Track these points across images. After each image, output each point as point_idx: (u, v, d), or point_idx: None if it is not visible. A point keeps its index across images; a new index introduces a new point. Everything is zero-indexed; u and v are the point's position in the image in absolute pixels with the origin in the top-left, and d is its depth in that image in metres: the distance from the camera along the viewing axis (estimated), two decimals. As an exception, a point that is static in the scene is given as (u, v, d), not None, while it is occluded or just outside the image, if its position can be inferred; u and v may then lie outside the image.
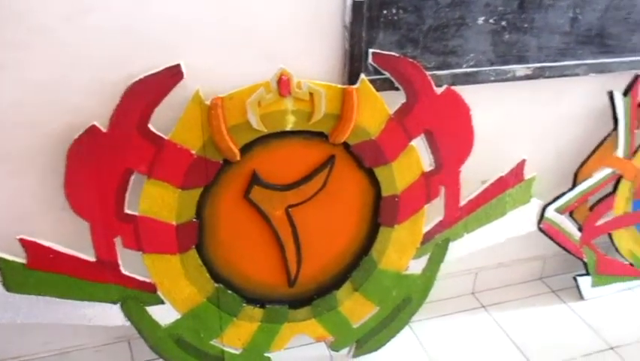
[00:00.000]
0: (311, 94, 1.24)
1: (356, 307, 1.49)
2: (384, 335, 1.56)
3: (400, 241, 1.46)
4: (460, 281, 1.81)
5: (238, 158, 1.25)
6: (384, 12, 1.29)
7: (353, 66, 1.31)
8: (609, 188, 1.71)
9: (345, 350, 1.56)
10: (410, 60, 1.31)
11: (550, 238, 1.70)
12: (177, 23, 1.18)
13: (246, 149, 1.26)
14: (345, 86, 1.27)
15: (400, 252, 1.47)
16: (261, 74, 1.22)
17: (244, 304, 1.40)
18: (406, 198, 1.41)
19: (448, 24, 1.36)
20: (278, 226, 1.35)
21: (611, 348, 1.64)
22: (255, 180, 1.29)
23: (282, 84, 1.21)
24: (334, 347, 1.53)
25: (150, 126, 1.18)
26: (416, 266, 1.52)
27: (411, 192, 1.41)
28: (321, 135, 1.30)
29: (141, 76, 1.14)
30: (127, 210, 1.22)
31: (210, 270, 1.35)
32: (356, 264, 1.47)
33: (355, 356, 1.56)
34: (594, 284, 1.82)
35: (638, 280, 1.89)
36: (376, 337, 1.55)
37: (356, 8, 1.25)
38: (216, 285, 1.36)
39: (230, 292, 1.38)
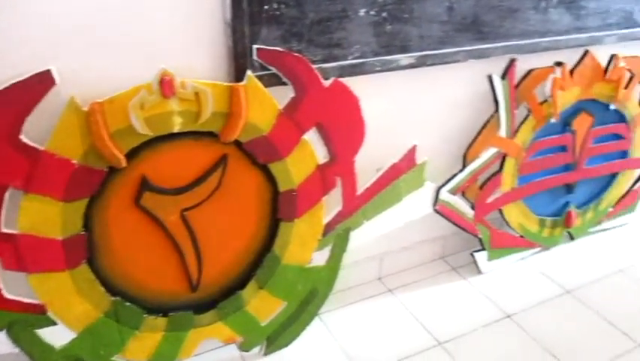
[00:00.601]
0: (196, 93, 1.22)
1: (263, 305, 1.49)
2: (293, 329, 1.56)
3: (301, 234, 1.47)
4: (366, 268, 1.86)
5: (124, 164, 1.20)
6: (266, 7, 1.29)
7: (238, 63, 1.30)
8: (496, 166, 1.82)
9: (255, 349, 1.55)
10: (295, 54, 1.32)
11: (446, 219, 1.78)
12: (49, 25, 1.11)
13: (132, 154, 1.22)
14: (231, 84, 1.26)
15: (302, 245, 1.48)
16: (142, 75, 1.18)
17: (145, 315, 1.36)
18: (304, 192, 1.42)
19: (331, 17, 1.38)
20: (174, 231, 1.31)
21: (508, 316, 1.75)
22: (145, 185, 1.25)
23: (165, 85, 1.18)
24: (244, 347, 1.52)
25: (23, 137, 1.10)
26: (320, 258, 1.54)
27: (307, 185, 1.42)
28: (211, 135, 1.28)
29: (7, 84, 1.07)
30: (4, 230, 1.14)
31: (106, 283, 1.30)
32: (259, 262, 1.46)
33: (267, 353, 1.56)
34: (490, 258, 1.93)
35: (530, 250, 2.03)
36: (286, 332, 1.55)
37: (236, 4, 1.24)
38: (113, 298, 1.31)
39: (129, 304, 1.33)
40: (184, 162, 1.28)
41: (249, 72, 1.27)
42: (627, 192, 2.19)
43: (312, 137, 1.40)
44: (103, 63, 1.19)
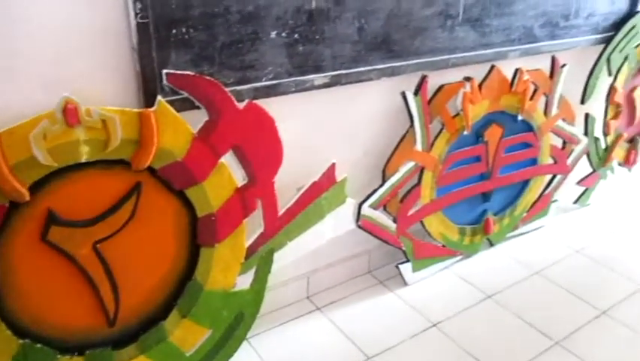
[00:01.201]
0: (104, 121, 1.18)
1: (187, 334, 1.45)
2: (221, 356, 1.53)
3: (223, 259, 1.44)
4: (293, 287, 1.85)
5: (28, 198, 1.14)
6: (174, 31, 1.27)
7: (148, 88, 1.27)
8: (415, 179, 1.87)
9: (182, 381, 1.50)
10: (207, 78, 1.31)
11: (370, 233, 1.81)
12: None
13: (37, 186, 1.16)
14: (141, 110, 1.23)
15: (224, 270, 1.46)
16: (44, 103, 1.13)
17: (59, 356, 1.29)
18: (223, 216, 1.41)
19: (242, 39, 1.38)
20: (86, 265, 1.26)
21: (434, 325, 1.79)
22: (51, 219, 1.19)
23: (69, 113, 1.13)
24: (169, 379, 1.47)
25: None
26: (244, 281, 1.52)
27: (227, 209, 1.41)
28: (122, 163, 1.24)
29: None
30: None
31: (13, 325, 1.22)
32: (181, 290, 1.42)
33: (194, 384, 1.51)
34: (414, 269, 1.97)
35: (452, 258, 2.10)
36: (214, 360, 1.52)
37: (141, 29, 1.22)
38: (22, 341, 1.23)
39: (39, 345, 1.25)
40: (94, 192, 1.23)
41: (159, 97, 1.25)
42: (539, 197, 2.32)
43: (229, 160, 1.39)
44: (1, 91, 1.13)
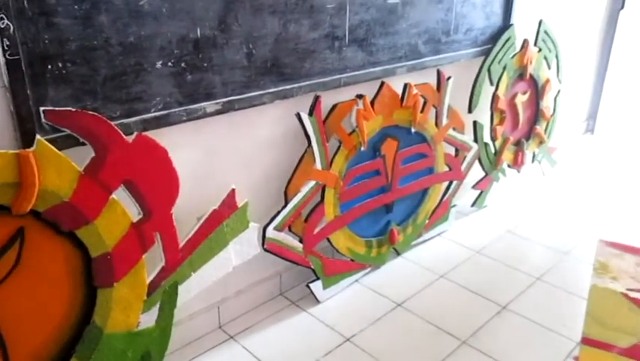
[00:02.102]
0: (-24, 166, 1.11)
1: (90, 382, 1.37)
2: (130, 400, 1.47)
3: (123, 298, 1.39)
4: (204, 319, 1.82)
5: None
6: (49, 67, 1.22)
7: (25, 128, 1.21)
8: (317, 198, 1.90)
9: None
10: (89, 113, 1.27)
11: (278, 256, 1.82)
12: None
13: None
14: (19, 151, 1.16)
15: (126, 310, 1.40)
16: None
17: None
18: (120, 254, 1.36)
19: (126, 71, 1.35)
20: (-33, 321, 1.16)
21: (348, 339, 1.82)
22: None
23: None
24: None
25: None
26: (149, 319, 1.47)
27: (123, 246, 1.36)
28: (1, 208, 1.17)
29: None
30: None
31: None
32: (79, 336, 1.35)
33: None
34: (325, 286, 2.00)
35: (362, 271, 2.14)
36: (122, 405, 1.45)
37: (12, 66, 1.16)
38: None
39: None
40: (-29, 242, 1.15)
41: (38, 136, 1.19)
42: (439, 204, 2.43)
43: (121, 195, 1.34)
44: None
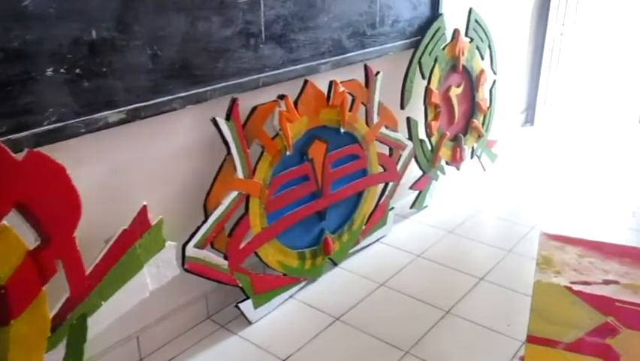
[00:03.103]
0: None
1: None
2: None
3: (22, 337, 1.34)
4: (122, 352, 1.77)
5: None
6: None
7: None
8: (242, 209, 1.90)
9: None
10: (-31, 130, 1.22)
11: (201, 276, 1.80)
12: None
13: None
14: None
15: (27, 350, 1.36)
16: None
17: None
18: (15, 287, 1.31)
19: (11, 81, 1.31)
20: None
21: (284, 361, 1.83)
22: None
23: None
24: None
25: None
26: (55, 358, 1.43)
27: (19, 278, 1.31)
28: None
29: None
30: None
31: None
32: (-28, 385, 1.30)
33: None
34: (256, 305, 2.00)
35: (296, 286, 2.16)
36: None
37: None
38: None
39: None
40: None
41: None
42: (376, 208, 2.48)
43: (14, 220, 1.30)
44: None
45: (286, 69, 2.00)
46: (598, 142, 3.84)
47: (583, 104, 4.61)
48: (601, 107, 4.62)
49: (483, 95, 3.05)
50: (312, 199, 2.16)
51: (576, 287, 2.17)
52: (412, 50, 2.58)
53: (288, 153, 1.99)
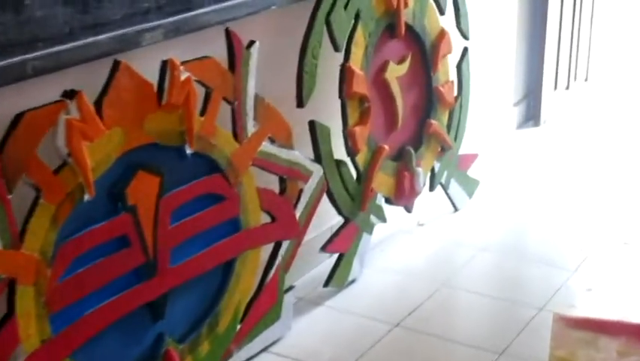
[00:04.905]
0: None
1: None
2: None
3: None
4: None
5: None
6: None
7: None
8: (2, 306, 1.87)
9: None
10: None
11: None
12: None
13: None
14: None
15: None
16: None
17: None
18: None
19: None
20: None
21: None
22: None
23: None
24: None
25: None
26: None
27: None
28: None
29: None
30: None
31: None
32: None
33: None
34: None
35: None
36: None
37: None
38: None
39: None
40: None
41: None
42: (259, 290, 2.51)
43: None
44: None
45: (79, 42, 2.02)
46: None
47: (619, 86, 4.86)
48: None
49: (446, 75, 3.17)
50: (137, 280, 2.16)
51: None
52: (315, 1, 2.64)
53: (87, 197, 1.99)
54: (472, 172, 3.38)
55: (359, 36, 2.77)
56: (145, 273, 2.19)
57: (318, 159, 2.69)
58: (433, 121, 3.12)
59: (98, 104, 2.02)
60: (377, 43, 2.88)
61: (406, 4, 2.90)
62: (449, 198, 3.30)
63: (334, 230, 2.84)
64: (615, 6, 4.83)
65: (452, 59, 3.20)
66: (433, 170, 3.18)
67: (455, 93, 3.21)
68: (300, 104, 2.64)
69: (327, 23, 2.67)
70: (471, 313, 2.84)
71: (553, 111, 4.33)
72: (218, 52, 2.32)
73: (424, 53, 3.08)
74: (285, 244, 2.59)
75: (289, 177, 2.57)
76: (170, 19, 2.24)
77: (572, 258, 3.06)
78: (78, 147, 1.96)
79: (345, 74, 2.75)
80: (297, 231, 2.61)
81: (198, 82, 2.24)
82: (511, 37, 4.03)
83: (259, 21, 2.49)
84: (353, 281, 2.94)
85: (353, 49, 2.76)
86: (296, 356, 2.56)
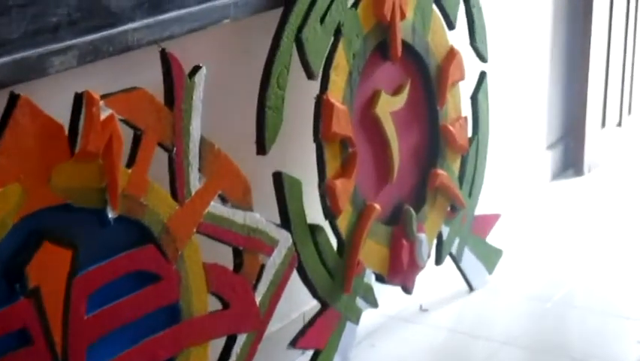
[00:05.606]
0: None
1: None
2: None
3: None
4: None
5: None
6: None
7: None
8: None
9: None
10: None
11: None
12: None
13: None
14: None
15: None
16: None
17: None
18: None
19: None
20: None
21: None
22: None
23: None
24: None
25: None
26: None
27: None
28: None
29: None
30: None
31: None
32: None
33: None
34: None
35: None
36: None
37: None
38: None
39: None
40: None
41: None
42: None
43: None
44: None
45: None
46: None
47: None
48: None
49: (457, 110, 3.14)
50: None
51: None
52: (281, 12, 2.61)
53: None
54: (492, 239, 3.35)
55: (340, 58, 2.74)
56: (51, 378, 2.11)
57: (285, 223, 2.65)
58: (439, 171, 3.10)
59: (-13, 153, 1.97)
60: (364, 67, 2.85)
61: (402, 16, 2.88)
62: (462, 273, 3.28)
63: (307, 319, 2.77)
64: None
65: (465, 88, 3.18)
66: (440, 236, 3.15)
67: (470, 133, 3.19)
68: (262, 150, 2.60)
69: (298, 42, 2.64)
70: None
71: (600, 155, 4.32)
72: (152, 81, 2.27)
73: (428, 81, 3.05)
74: (241, 339, 2.53)
75: (247, 248, 2.52)
76: (88, 37, 2.19)
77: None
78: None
79: (322, 110, 2.71)
80: (258, 320, 2.56)
81: (124, 121, 2.18)
82: (544, 59, 4.01)
83: (206, 40, 2.45)
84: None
85: (332, 76, 2.73)
86: None
